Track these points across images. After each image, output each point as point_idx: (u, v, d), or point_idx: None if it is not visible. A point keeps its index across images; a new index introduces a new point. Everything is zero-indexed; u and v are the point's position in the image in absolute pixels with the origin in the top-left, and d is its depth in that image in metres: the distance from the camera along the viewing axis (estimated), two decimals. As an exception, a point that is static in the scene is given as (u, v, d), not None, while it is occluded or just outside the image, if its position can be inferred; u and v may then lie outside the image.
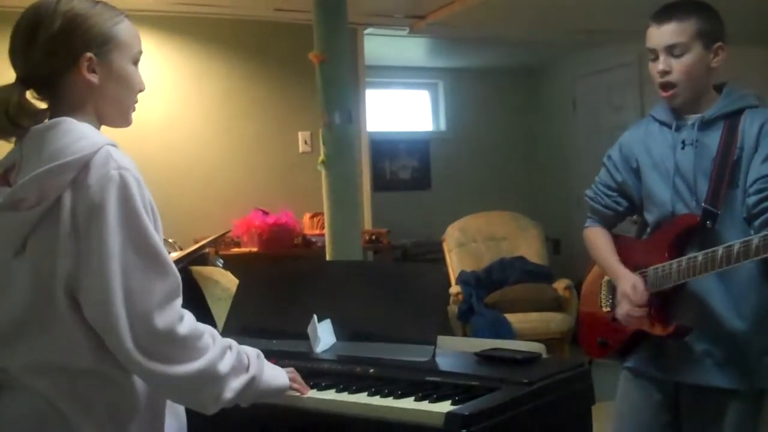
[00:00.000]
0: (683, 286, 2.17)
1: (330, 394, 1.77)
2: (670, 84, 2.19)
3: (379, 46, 6.04)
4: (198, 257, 2.71)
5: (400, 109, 7.70)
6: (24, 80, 1.51)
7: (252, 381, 1.55)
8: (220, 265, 2.82)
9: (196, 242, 3.01)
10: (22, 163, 1.47)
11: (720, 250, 2.01)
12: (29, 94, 1.52)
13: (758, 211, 2.09)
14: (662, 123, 2.28)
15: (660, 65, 2.19)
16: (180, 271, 1.50)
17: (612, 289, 2.38)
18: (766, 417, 2.18)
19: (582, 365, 1.94)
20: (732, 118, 2.17)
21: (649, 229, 2.33)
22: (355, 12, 4.46)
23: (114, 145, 1.46)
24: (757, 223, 2.09)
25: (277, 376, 1.65)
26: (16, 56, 1.52)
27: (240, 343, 1.59)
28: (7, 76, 1.53)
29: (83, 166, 1.41)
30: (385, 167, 7.38)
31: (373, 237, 5.20)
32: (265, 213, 4.95)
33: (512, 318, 5.40)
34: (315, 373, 1.88)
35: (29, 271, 1.43)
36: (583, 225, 2.51)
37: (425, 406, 1.64)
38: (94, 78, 1.51)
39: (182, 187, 5.00)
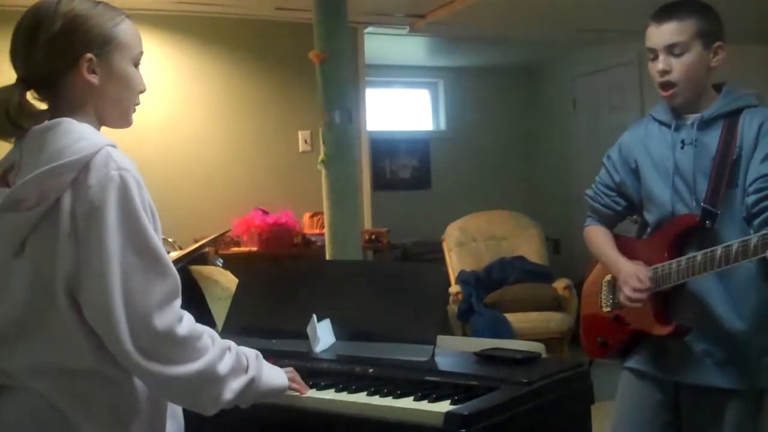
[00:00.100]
0: (683, 286, 2.17)
1: (329, 394, 1.77)
2: (669, 83, 2.19)
3: (380, 45, 6.04)
4: (198, 257, 2.70)
5: (400, 109, 7.69)
6: (24, 81, 1.51)
7: (251, 382, 1.55)
8: (220, 265, 2.82)
9: (196, 242, 3.01)
10: (22, 164, 1.47)
11: (719, 249, 2.01)
12: (30, 95, 1.52)
13: (757, 210, 2.09)
14: (662, 123, 2.28)
15: (660, 65, 2.19)
16: (179, 270, 1.50)
17: (612, 288, 2.38)
18: (765, 417, 2.18)
19: (581, 365, 1.94)
20: (731, 117, 2.17)
21: (649, 229, 2.33)
22: (356, 11, 4.46)
23: (114, 146, 1.46)
24: (756, 222, 2.09)
25: (276, 376, 1.65)
26: (17, 57, 1.52)
27: (239, 342, 1.59)
28: (7, 76, 1.53)
29: (83, 166, 1.41)
30: (385, 167, 7.38)
31: (373, 236, 5.20)
32: (265, 212, 4.95)
33: (512, 318, 5.40)
34: (314, 373, 1.88)
35: (29, 271, 1.43)
36: (583, 224, 2.51)
37: (424, 405, 1.64)
38: (94, 79, 1.51)
39: (182, 186, 5.00)
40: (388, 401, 1.68)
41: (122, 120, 1.59)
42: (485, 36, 6.27)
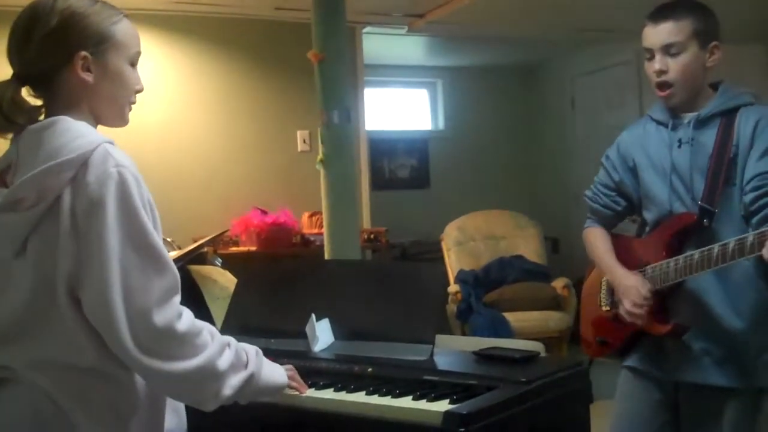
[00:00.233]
0: (681, 285, 2.17)
1: (328, 393, 1.77)
2: (666, 83, 2.19)
3: (378, 44, 6.04)
4: (196, 256, 2.70)
5: (398, 108, 7.69)
6: (19, 77, 1.51)
7: (251, 378, 1.55)
8: (219, 264, 2.82)
9: (195, 241, 3.01)
10: (19, 164, 1.47)
11: (716, 248, 2.01)
12: (25, 92, 1.52)
13: (755, 208, 2.09)
14: (659, 122, 2.29)
15: (656, 65, 2.19)
16: (178, 270, 1.50)
17: (611, 288, 2.39)
18: (764, 415, 2.18)
19: (580, 364, 1.94)
20: (728, 116, 2.18)
21: (648, 228, 2.33)
22: (354, 11, 4.47)
23: (111, 143, 1.46)
24: (754, 220, 2.09)
25: (275, 373, 1.65)
26: (13, 53, 1.52)
27: (239, 342, 1.59)
28: (6, 75, 1.53)
29: (82, 164, 1.41)
30: (383, 166, 7.38)
31: (372, 236, 5.20)
32: (264, 212, 4.95)
33: (511, 317, 5.40)
34: (313, 372, 1.88)
35: (30, 271, 1.43)
36: (582, 224, 2.52)
37: (423, 405, 1.64)
38: (88, 77, 1.51)
39: (181, 185, 5.00)
40: (387, 400, 1.68)
41: (118, 119, 1.59)
42: (484, 35, 6.27)
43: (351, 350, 2.03)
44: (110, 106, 1.57)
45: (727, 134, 2.15)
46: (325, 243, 3.70)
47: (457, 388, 1.73)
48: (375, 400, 1.70)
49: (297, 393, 1.75)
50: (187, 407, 1.61)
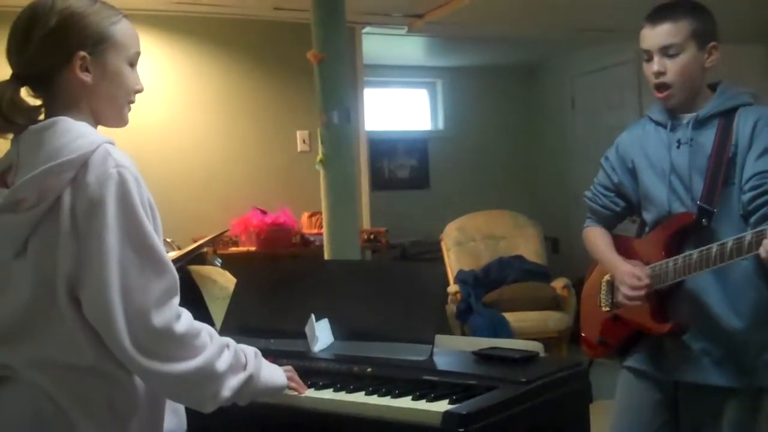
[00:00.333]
0: (680, 285, 2.17)
1: (327, 394, 1.77)
2: (665, 85, 2.20)
3: (378, 45, 6.04)
4: (196, 256, 2.71)
5: (398, 108, 7.69)
6: (19, 77, 1.51)
7: (249, 379, 1.55)
8: (219, 265, 2.82)
9: (195, 241, 3.01)
10: (20, 164, 1.47)
11: (714, 247, 2.01)
12: (25, 92, 1.52)
13: (753, 207, 2.09)
14: (658, 123, 2.29)
15: (655, 66, 2.19)
16: (178, 270, 1.50)
17: (611, 288, 2.39)
18: (764, 415, 2.18)
19: (579, 364, 1.94)
20: (726, 116, 2.18)
21: (647, 229, 2.34)
22: (354, 11, 4.47)
23: (112, 143, 1.46)
24: (752, 219, 2.09)
25: (274, 374, 1.65)
26: (12, 52, 1.52)
27: (238, 342, 1.59)
28: (6, 76, 1.53)
29: (82, 164, 1.41)
30: (383, 166, 7.38)
31: (372, 236, 5.20)
32: (264, 212, 4.95)
33: (510, 317, 5.41)
34: (313, 373, 1.88)
35: (30, 271, 1.43)
36: (582, 224, 2.52)
37: (423, 405, 1.64)
38: (87, 77, 1.51)
39: (180, 186, 5.00)
40: (387, 401, 1.68)
41: (117, 119, 1.59)
42: (483, 36, 6.27)
43: (350, 350, 2.03)
44: (109, 106, 1.56)
45: (725, 134, 2.16)
46: (325, 243, 3.70)
47: (456, 388, 1.73)
48: (374, 400, 1.70)
49: (296, 393, 1.75)
50: (186, 408, 1.61)
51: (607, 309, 2.39)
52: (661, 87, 2.21)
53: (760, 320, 2.14)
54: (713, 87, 2.26)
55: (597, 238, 2.43)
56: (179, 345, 1.43)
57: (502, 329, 5.26)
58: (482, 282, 5.73)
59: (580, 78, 7.32)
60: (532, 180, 7.78)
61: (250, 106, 5.26)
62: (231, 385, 1.51)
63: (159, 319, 1.41)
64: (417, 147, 7.54)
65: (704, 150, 2.18)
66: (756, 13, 5.43)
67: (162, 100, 4.97)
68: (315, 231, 4.93)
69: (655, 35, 2.18)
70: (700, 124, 2.20)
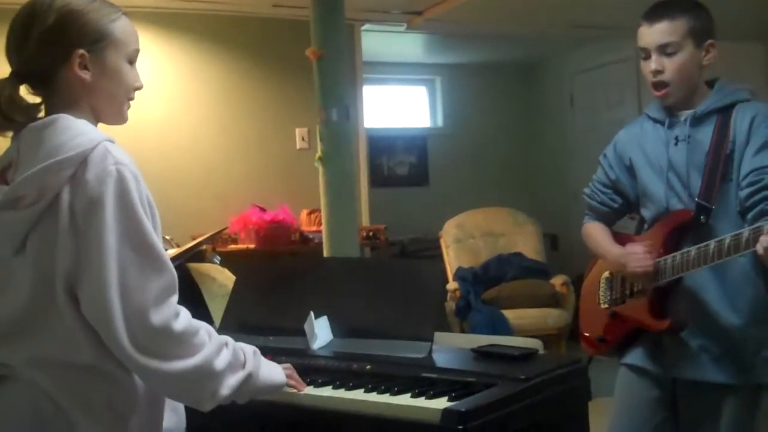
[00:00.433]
0: (679, 281, 2.18)
1: (327, 391, 1.77)
2: (662, 83, 2.20)
3: (377, 42, 6.04)
4: (195, 254, 2.70)
5: (397, 106, 7.69)
6: (18, 75, 1.51)
7: (248, 378, 1.55)
8: (218, 262, 2.82)
9: (194, 239, 3.01)
10: (20, 161, 1.47)
11: (712, 244, 2.02)
12: (25, 89, 1.52)
13: (751, 203, 2.09)
14: (656, 120, 2.29)
15: (652, 64, 2.19)
16: (177, 268, 1.50)
17: (610, 285, 2.39)
18: (762, 412, 2.18)
19: (579, 361, 1.94)
20: (724, 112, 2.18)
21: (646, 226, 2.34)
22: (352, 8, 4.46)
23: (111, 141, 1.46)
24: (749, 215, 2.09)
25: (273, 372, 1.65)
26: (11, 50, 1.52)
27: (237, 339, 1.59)
28: (6, 73, 1.52)
29: (81, 162, 1.41)
30: (382, 163, 7.38)
31: (371, 233, 5.21)
32: (263, 210, 4.95)
33: (509, 314, 5.41)
34: (312, 370, 1.88)
35: (30, 268, 1.43)
36: (581, 221, 2.52)
37: (422, 402, 1.64)
38: (86, 75, 1.51)
39: (179, 183, 5.00)
40: (386, 398, 1.68)
41: (117, 116, 1.59)
42: (482, 33, 6.27)
43: (349, 348, 2.03)
44: (109, 104, 1.56)
45: (723, 131, 2.16)
46: (324, 240, 3.70)
47: (455, 385, 1.73)
48: (373, 397, 1.70)
49: (295, 391, 1.75)
50: (186, 406, 1.61)
51: (606, 306, 2.40)
52: (658, 85, 2.21)
53: (759, 317, 2.15)
54: (711, 84, 2.26)
55: (596, 232, 2.43)
56: (177, 343, 1.43)
57: (501, 326, 5.26)
58: (481, 279, 5.73)
59: (579, 75, 7.32)
60: (531, 177, 7.78)
61: (249, 104, 5.26)
62: (230, 383, 1.51)
63: (157, 317, 1.41)
64: (416, 144, 7.54)
65: (702, 147, 2.18)
66: (755, 11, 5.43)
67: (161, 97, 4.97)
68: (314, 228, 4.93)
69: (653, 33, 2.18)
70: (697, 121, 2.20)
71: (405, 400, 1.66)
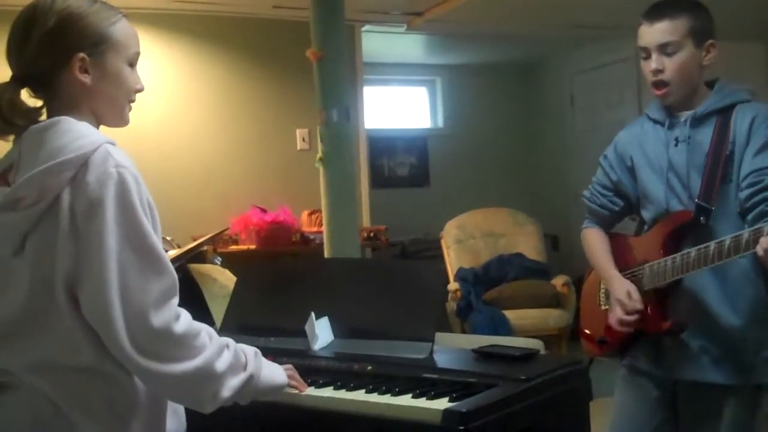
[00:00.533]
0: (679, 283, 2.17)
1: (328, 392, 1.77)
2: (662, 82, 2.20)
3: (377, 43, 6.04)
4: (196, 255, 2.71)
5: (397, 106, 7.69)
6: (18, 78, 1.51)
7: (250, 379, 1.55)
8: (218, 263, 2.82)
9: (194, 240, 3.02)
10: (21, 163, 1.47)
11: (712, 245, 2.01)
12: (26, 93, 1.52)
13: (751, 204, 2.09)
14: (656, 121, 2.29)
15: (653, 64, 2.19)
16: (178, 269, 1.50)
17: (610, 287, 2.39)
18: (763, 412, 2.18)
19: (579, 362, 1.94)
20: (724, 113, 2.18)
21: (646, 227, 2.34)
22: (353, 9, 4.46)
23: (113, 143, 1.46)
24: (749, 216, 2.09)
25: (275, 373, 1.65)
26: (11, 53, 1.52)
27: (238, 340, 1.59)
28: (6, 76, 1.53)
29: (82, 164, 1.41)
30: (383, 164, 7.38)
31: (372, 234, 5.21)
32: (263, 210, 4.95)
33: (510, 315, 5.41)
34: (313, 371, 1.88)
35: (29, 270, 1.43)
36: (582, 221, 2.52)
37: (423, 403, 1.64)
38: (86, 78, 1.51)
39: (180, 184, 5.00)
40: (387, 398, 1.68)
41: (118, 119, 1.59)
42: (482, 33, 6.27)
43: (350, 348, 2.03)
44: (110, 106, 1.56)
45: (723, 132, 2.16)
46: (325, 241, 3.70)
47: (456, 386, 1.73)
48: (374, 398, 1.70)
49: (297, 392, 1.75)
50: (186, 408, 1.61)
51: (607, 307, 2.39)
52: (658, 84, 2.21)
53: (759, 318, 2.15)
54: (710, 85, 2.26)
55: (595, 243, 2.42)
56: (178, 345, 1.43)
57: (502, 327, 5.26)
58: (482, 279, 5.73)
59: (579, 75, 7.32)
60: (532, 177, 7.78)
61: (250, 105, 5.26)
62: (231, 385, 1.51)
63: (158, 319, 1.41)
64: (416, 145, 7.54)
65: (702, 148, 2.18)
66: (756, 11, 5.43)
67: (161, 98, 4.97)
68: (315, 229, 4.93)
69: (653, 33, 2.18)
70: (697, 121, 2.20)
71: (406, 400, 1.66)
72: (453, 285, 5.65)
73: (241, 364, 1.55)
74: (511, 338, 3.10)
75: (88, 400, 1.44)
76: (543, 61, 7.65)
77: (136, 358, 1.39)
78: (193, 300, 2.38)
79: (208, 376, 1.47)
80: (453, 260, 5.97)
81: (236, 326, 2.18)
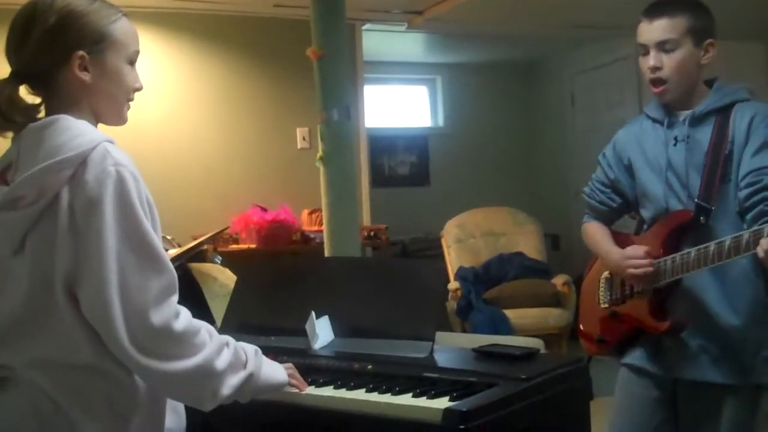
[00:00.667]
0: (678, 282, 2.17)
1: (328, 391, 1.77)
2: (660, 80, 2.20)
3: (377, 41, 6.04)
4: (196, 254, 2.71)
5: (398, 105, 7.69)
6: (17, 75, 1.51)
7: (250, 377, 1.55)
8: (219, 262, 2.82)
9: (195, 239, 3.01)
10: (20, 162, 1.47)
11: (712, 245, 2.01)
12: (25, 90, 1.52)
13: (750, 204, 2.09)
14: (655, 120, 2.29)
15: (651, 61, 2.19)
16: (178, 268, 1.50)
17: (610, 285, 2.39)
18: (762, 412, 2.18)
19: (580, 361, 1.94)
20: (723, 112, 2.18)
21: (645, 226, 2.34)
22: (353, 8, 4.46)
23: (111, 142, 1.46)
24: (748, 216, 2.09)
25: (275, 372, 1.65)
26: (11, 50, 1.52)
27: (238, 339, 1.59)
28: (5, 73, 1.52)
29: (81, 162, 1.41)
30: (383, 163, 7.38)
31: (372, 233, 5.20)
32: (264, 209, 4.95)
33: (511, 314, 5.41)
34: (313, 370, 1.88)
35: (29, 268, 1.44)
36: (582, 220, 2.52)
37: (423, 402, 1.64)
38: (85, 76, 1.51)
39: (180, 183, 5.00)
40: (387, 398, 1.68)
41: (117, 117, 1.59)
42: (483, 32, 6.27)
43: (351, 347, 2.03)
44: (109, 105, 1.56)
45: (722, 131, 2.15)
46: (325, 240, 3.70)
47: (456, 385, 1.73)
48: (375, 397, 1.70)
49: (297, 391, 1.75)
50: (186, 406, 1.61)
51: (606, 306, 2.39)
52: (656, 82, 2.21)
53: (758, 318, 2.15)
54: (709, 84, 2.26)
55: (595, 232, 2.43)
56: (178, 343, 1.43)
57: (503, 326, 5.26)
58: (482, 279, 5.73)
59: (579, 75, 7.32)
60: (532, 177, 7.78)
61: (250, 104, 5.26)
62: (231, 383, 1.51)
63: (157, 317, 1.41)
64: (417, 144, 7.54)
65: (701, 147, 2.18)
66: (756, 10, 5.43)
67: (161, 97, 4.97)
68: (315, 228, 4.93)
69: (652, 30, 2.18)
70: (696, 121, 2.20)
71: (406, 399, 1.66)
72: (453, 284, 5.65)
73: (241, 363, 1.55)
74: (512, 337, 3.10)
75: (88, 398, 1.44)
76: (543, 60, 7.65)
77: (136, 356, 1.39)
78: (194, 299, 2.38)
79: (208, 374, 1.47)
80: (453, 259, 5.97)
81: (236, 325, 2.18)
